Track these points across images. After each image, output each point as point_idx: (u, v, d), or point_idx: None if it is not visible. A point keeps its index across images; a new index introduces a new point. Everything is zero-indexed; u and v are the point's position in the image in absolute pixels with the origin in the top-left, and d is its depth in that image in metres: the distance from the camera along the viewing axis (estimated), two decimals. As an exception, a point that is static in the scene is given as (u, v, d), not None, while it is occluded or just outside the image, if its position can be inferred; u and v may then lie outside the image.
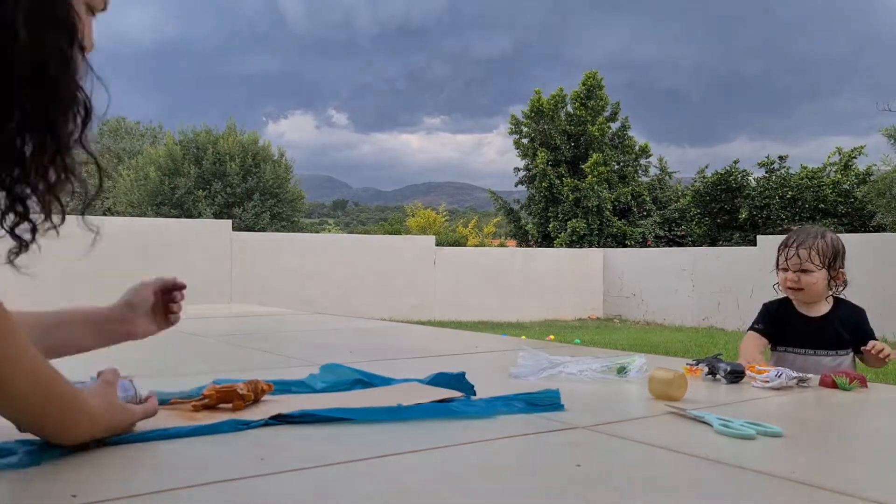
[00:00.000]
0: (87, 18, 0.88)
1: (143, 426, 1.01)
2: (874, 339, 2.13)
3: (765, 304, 2.32)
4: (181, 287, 1.26)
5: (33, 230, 0.80)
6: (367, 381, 1.44)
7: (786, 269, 2.19)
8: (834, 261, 2.18)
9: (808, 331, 2.18)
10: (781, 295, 2.28)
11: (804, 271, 2.16)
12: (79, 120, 0.81)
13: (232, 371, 1.59)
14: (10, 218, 0.79)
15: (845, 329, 2.17)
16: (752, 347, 2.16)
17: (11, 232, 0.80)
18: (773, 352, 2.25)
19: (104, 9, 0.91)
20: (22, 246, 0.82)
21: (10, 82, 0.72)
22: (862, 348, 2.11)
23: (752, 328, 2.26)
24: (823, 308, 2.21)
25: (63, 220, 0.82)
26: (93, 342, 1.13)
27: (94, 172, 0.85)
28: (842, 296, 2.26)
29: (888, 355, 2.05)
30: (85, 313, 1.13)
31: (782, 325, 2.22)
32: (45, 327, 1.08)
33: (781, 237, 2.33)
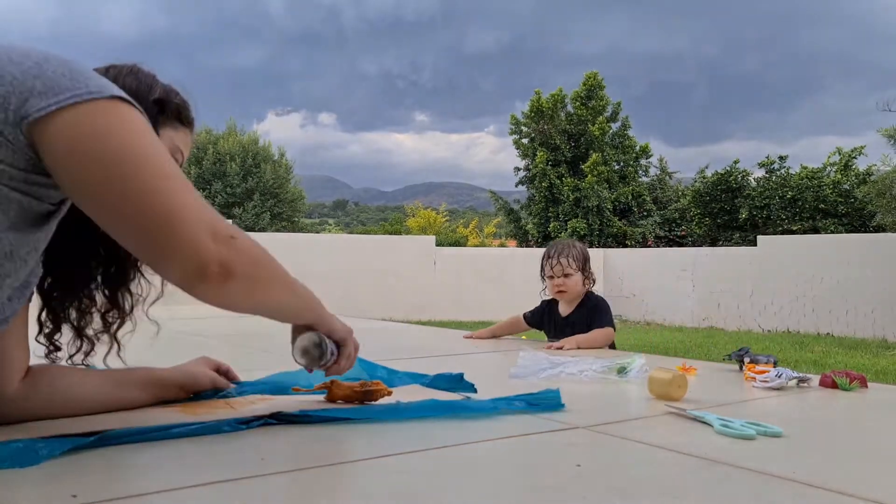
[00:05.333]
0: None
1: (142, 426, 1.02)
2: (599, 326, 2.52)
3: (542, 302, 2.81)
4: (233, 377, 1.38)
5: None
6: (370, 373, 1.44)
7: (552, 276, 2.68)
8: (585, 264, 2.70)
9: (555, 327, 2.68)
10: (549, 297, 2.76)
11: (566, 275, 2.65)
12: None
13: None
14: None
15: (581, 322, 2.60)
16: (499, 325, 2.74)
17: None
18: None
19: (181, 166, 1.14)
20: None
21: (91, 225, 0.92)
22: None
23: (524, 313, 2.80)
24: (572, 307, 2.69)
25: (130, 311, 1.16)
26: (146, 399, 1.22)
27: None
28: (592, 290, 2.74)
29: (559, 347, 2.32)
30: (147, 375, 1.24)
31: (546, 321, 2.74)
32: (113, 383, 1.17)
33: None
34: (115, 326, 1.17)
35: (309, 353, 1.17)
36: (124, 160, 0.86)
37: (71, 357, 1.16)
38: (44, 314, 1.14)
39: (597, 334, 2.46)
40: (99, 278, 1.13)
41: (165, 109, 1.11)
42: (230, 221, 0.95)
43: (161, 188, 0.88)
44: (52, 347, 1.15)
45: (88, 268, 1.13)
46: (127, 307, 1.15)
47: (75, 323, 1.15)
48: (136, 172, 0.87)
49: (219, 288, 0.90)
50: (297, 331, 1.19)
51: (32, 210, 0.90)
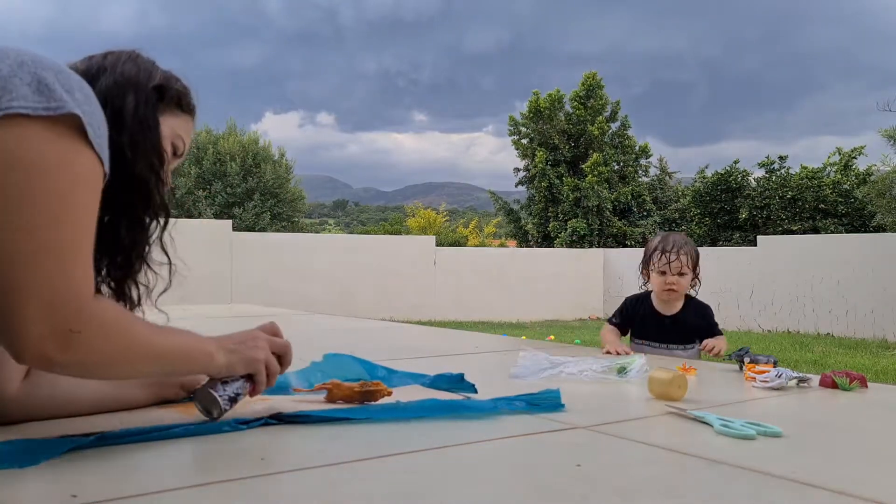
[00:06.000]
0: (170, 158, 1.12)
1: (142, 426, 1.02)
2: (719, 333, 2.41)
3: (626, 300, 2.61)
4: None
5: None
6: (370, 373, 1.44)
7: (664, 273, 2.46)
8: (696, 265, 2.51)
9: (659, 328, 2.48)
10: (642, 291, 2.59)
11: (681, 274, 2.45)
12: (162, 222, 1.09)
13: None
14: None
15: (692, 326, 2.46)
16: (613, 337, 2.42)
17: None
18: (631, 342, 2.54)
19: (182, 154, 1.16)
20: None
21: (117, 188, 0.96)
22: (699, 347, 2.35)
23: (609, 321, 2.55)
24: (676, 307, 2.50)
25: (138, 303, 1.10)
26: (144, 399, 1.21)
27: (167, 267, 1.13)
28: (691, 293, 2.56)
29: (718, 352, 2.24)
30: None
31: (639, 320, 2.52)
32: (113, 383, 1.17)
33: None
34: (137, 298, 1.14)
35: (212, 413, 1.11)
36: (8, 198, 0.81)
37: None
38: None
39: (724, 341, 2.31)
40: (104, 270, 1.11)
41: (165, 96, 1.09)
42: (95, 293, 0.91)
43: (24, 248, 0.81)
44: None
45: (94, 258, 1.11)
46: (135, 297, 1.13)
47: None
48: (9, 219, 0.81)
49: (43, 368, 0.88)
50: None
51: None
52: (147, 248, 1.10)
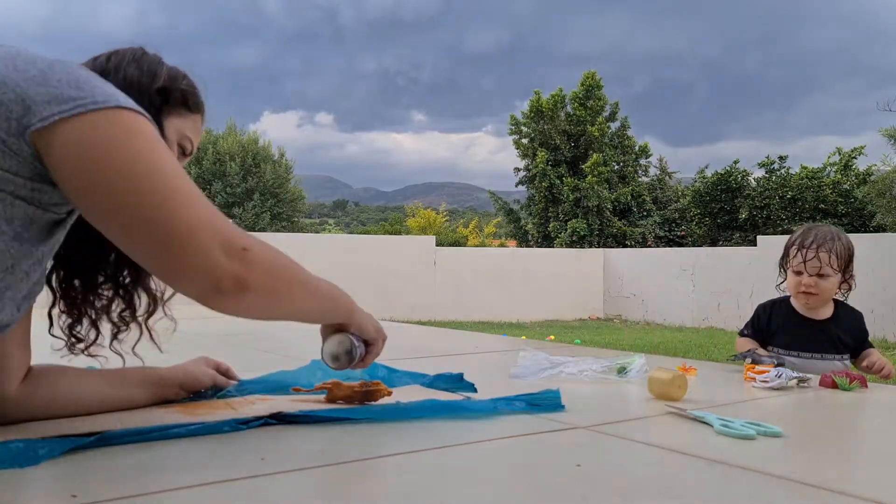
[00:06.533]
0: (178, 159, 1.11)
1: (142, 426, 1.02)
2: (870, 346, 2.09)
3: (757, 309, 2.22)
4: (234, 377, 1.38)
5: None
6: (370, 373, 1.44)
7: (800, 273, 2.06)
8: (848, 264, 2.08)
9: (809, 334, 2.08)
10: (778, 296, 2.21)
11: (821, 276, 2.03)
12: None
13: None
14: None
15: (847, 334, 2.09)
16: (750, 342, 2.09)
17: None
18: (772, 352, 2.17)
19: (191, 154, 1.15)
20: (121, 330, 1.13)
21: None
22: (863, 364, 2.04)
23: (741, 333, 2.20)
24: (826, 311, 2.12)
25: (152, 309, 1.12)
26: (147, 398, 1.21)
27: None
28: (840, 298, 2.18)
29: (889, 374, 1.97)
30: (148, 374, 1.22)
31: (778, 328, 2.13)
32: (113, 383, 1.17)
33: (782, 237, 2.35)
34: (145, 314, 1.15)
35: (339, 359, 1.18)
36: (132, 173, 0.85)
37: (111, 342, 1.14)
38: (59, 307, 1.11)
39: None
40: (117, 269, 1.11)
41: (170, 98, 1.08)
42: (240, 229, 0.93)
43: (169, 202, 0.86)
44: (73, 339, 1.12)
45: (110, 255, 1.10)
46: (157, 293, 1.13)
47: (100, 312, 1.13)
48: (144, 186, 0.85)
49: (236, 302, 0.89)
50: (327, 331, 1.19)
51: (38, 220, 0.89)
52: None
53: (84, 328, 1.12)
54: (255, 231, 19.21)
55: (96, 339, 1.14)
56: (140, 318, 1.14)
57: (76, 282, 1.11)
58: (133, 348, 1.15)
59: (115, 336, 1.14)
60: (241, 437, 1.04)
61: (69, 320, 1.12)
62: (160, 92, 1.06)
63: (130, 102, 0.89)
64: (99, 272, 1.11)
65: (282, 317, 1.01)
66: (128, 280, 1.12)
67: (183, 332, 1.22)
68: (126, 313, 1.13)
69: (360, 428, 1.11)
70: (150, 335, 1.14)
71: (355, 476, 0.88)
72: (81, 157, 0.84)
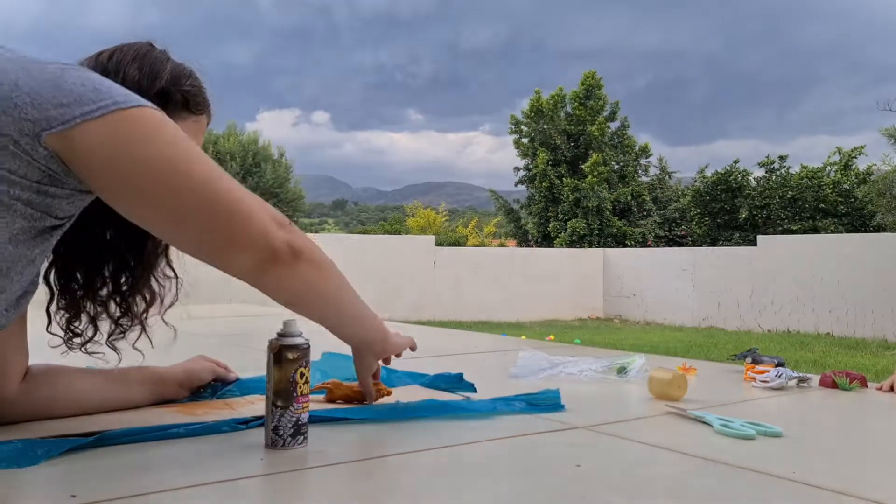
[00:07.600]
0: None
1: (141, 426, 1.02)
2: None
3: None
4: (233, 374, 1.38)
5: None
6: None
7: None
8: None
9: None
10: None
11: None
12: None
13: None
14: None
15: None
16: None
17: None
18: None
19: None
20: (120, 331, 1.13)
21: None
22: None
23: None
24: None
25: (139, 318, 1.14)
26: (146, 397, 1.21)
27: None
28: None
29: None
30: (147, 373, 1.22)
31: None
32: (112, 382, 1.17)
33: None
34: (143, 310, 1.15)
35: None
36: (172, 162, 0.88)
37: (108, 339, 1.14)
38: (57, 304, 1.11)
39: None
40: (110, 285, 1.11)
41: (170, 102, 1.06)
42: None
43: (216, 182, 0.90)
44: (70, 335, 1.12)
45: (112, 252, 1.11)
46: (157, 290, 1.13)
47: (99, 309, 1.12)
48: (186, 169, 0.88)
49: (292, 272, 0.93)
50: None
51: (36, 224, 0.88)
52: (154, 262, 1.12)
53: (82, 324, 1.12)
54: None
55: (94, 335, 1.13)
56: (139, 317, 1.14)
57: (77, 275, 1.10)
58: (133, 345, 1.15)
59: (111, 335, 1.14)
60: (241, 437, 1.04)
61: (67, 315, 1.11)
62: (160, 94, 1.04)
63: (147, 102, 0.91)
64: (99, 269, 1.11)
65: (321, 300, 1.03)
66: (128, 277, 1.12)
67: (184, 333, 1.23)
68: (125, 314, 1.13)
69: (360, 428, 1.11)
70: (146, 332, 1.15)
71: (355, 476, 0.88)
72: (117, 156, 0.85)
